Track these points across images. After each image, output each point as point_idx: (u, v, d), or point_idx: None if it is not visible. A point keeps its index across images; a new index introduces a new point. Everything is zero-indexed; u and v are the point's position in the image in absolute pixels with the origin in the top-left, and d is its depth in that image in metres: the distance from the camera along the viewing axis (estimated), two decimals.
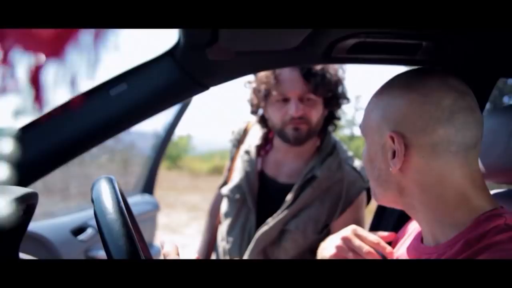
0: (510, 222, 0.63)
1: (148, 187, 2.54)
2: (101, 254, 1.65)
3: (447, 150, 0.66)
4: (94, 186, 0.63)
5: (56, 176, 2.11)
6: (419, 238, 0.76)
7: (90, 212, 1.74)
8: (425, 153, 0.66)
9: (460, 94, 0.67)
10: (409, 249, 0.77)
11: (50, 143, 0.82)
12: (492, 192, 1.04)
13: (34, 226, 1.44)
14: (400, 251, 0.82)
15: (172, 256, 0.52)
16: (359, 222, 1.34)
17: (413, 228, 0.85)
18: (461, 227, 0.66)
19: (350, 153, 1.41)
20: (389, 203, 0.76)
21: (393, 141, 0.67)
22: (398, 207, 0.75)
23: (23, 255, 0.80)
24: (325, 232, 1.31)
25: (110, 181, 0.64)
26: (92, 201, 0.61)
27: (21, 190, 0.64)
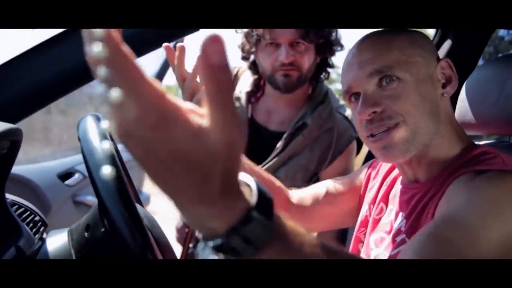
0: (488, 150, 0.70)
1: None
2: (89, 199, 1.64)
3: None
4: (80, 123, 0.61)
5: (39, 125, 2.07)
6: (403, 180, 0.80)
7: (76, 158, 1.72)
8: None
9: None
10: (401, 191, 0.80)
11: (33, 81, 0.79)
12: (482, 143, 1.04)
13: (20, 169, 1.42)
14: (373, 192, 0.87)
15: None
16: (348, 172, 1.35)
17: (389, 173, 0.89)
18: (451, 156, 0.72)
19: (341, 102, 1.40)
20: (417, 151, 0.72)
21: (444, 69, 0.74)
22: (412, 155, 0.74)
23: (9, 196, 0.78)
24: (314, 180, 1.32)
25: (97, 118, 0.61)
26: (79, 138, 0.59)
27: (4, 125, 0.62)
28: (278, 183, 0.93)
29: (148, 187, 2.45)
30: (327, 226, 1.06)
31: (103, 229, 0.58)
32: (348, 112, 1.37)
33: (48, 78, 0.80)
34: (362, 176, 0.95)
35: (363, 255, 0.82)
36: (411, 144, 0.70)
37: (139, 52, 0.86)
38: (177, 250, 1.42)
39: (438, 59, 0.74)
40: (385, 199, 0.84)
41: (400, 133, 0.70)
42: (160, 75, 2.44)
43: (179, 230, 1.59)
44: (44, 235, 0.77)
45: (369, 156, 1.39)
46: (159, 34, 0.85)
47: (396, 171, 0.87)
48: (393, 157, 0.72)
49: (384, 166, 0.91)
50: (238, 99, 1.39)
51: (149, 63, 2.42)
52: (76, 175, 1.64)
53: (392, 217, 0.77)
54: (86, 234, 0.61)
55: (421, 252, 0.54)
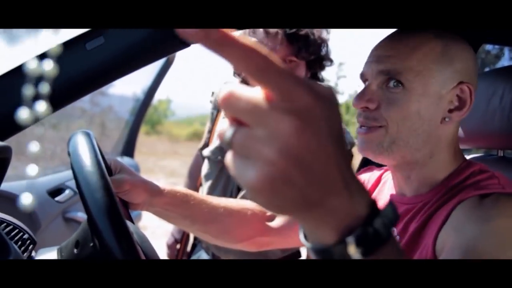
0: (482, 168, 0.70)
1: (128, 150, 2.50)
2: (79, 216, 1.63)
3: None
4: (70, 139, 0.61)
5: (31, 140, 2.05)
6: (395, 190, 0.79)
7: (67, 174, 1.71)
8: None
9: None
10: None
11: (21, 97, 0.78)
12: (470, 156, 1.05)
13: (9, 186, 1.40)
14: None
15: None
16: None
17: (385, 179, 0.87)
18: (444, 175, 0.71)
19: None
20: (393, 159, 0.72)
21: (460, 92, 0.69)
22: (391, 162, 0.73)
23: None
24: None
25: (87, 134, 0.62)
26: (69, 154, 0.59)
27: None
28: (250, 211, 0.90)
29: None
30: None
31: (92, 245, 0.58)
32: None
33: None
34: None
35: None
36: (385, 150, 0.70)
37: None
38: None
39: (464, 81, 0.69)
40: None
41: (376, 136, 0.70)
42: (153, 88, 2.44)
43: (171, 247, 1.57)
44: (33, 254, 0.76)
45: (364, 162, 1.41)
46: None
47: (381, 183, 0.87)
48: (366, 154, 0.73)
49: (372, 175, 0.90)
50: None
51: (142, 76, 2.43)
52: (67, 191, 1.62)
53: None
54: (75, 250, 0.60)
55: None
